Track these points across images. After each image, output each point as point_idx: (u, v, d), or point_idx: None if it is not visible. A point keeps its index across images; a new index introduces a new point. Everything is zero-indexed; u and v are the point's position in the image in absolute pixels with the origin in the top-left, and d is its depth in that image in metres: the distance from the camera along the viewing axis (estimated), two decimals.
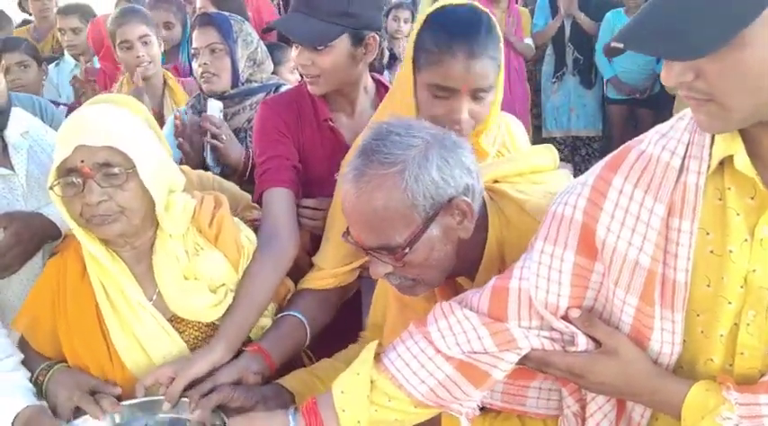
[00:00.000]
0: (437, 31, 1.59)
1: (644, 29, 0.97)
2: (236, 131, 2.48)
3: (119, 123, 1.56)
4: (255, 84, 2.50)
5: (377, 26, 1.93)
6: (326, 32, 1.84)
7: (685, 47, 0.93)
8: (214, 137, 2.35)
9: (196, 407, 1.52)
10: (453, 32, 1.57)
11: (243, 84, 2.48)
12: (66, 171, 1.52)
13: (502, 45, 1.65)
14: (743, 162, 1.07)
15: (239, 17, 2.56)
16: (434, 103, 1.62)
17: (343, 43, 1.87)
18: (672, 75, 1.01)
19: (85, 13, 4.25)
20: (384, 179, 1.31)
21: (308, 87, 1.93)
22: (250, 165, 2.30)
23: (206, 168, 2.31)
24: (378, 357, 1.42)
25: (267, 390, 1.61)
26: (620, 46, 0.98)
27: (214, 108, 2.43)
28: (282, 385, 1.65)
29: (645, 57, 5.37)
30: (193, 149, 2.41)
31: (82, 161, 1.50)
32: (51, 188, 1.54)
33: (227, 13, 2.57)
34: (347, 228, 1.41)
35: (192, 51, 2.49)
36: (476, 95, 1.60)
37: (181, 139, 2.40)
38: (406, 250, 1.33)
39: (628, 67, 5.49)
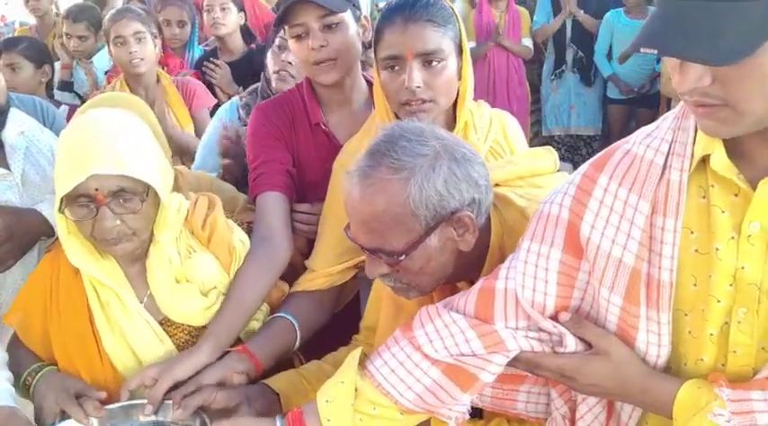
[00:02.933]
0: (383, 12, 1.71)
1: (675, 33, 0.95)
2: None
3: (131, 145, 1.53)
4: None
5: (360, 8, 1.95)
6: (342, 3, 1.84)
7: (721, 52, 0.92)
8: None
9: (178, 408, 1.51)
10: (393, 6, 1.69)
11: None
12: (77, 195, 1.50)
13: (457, 21, 1.70)
14: (720, 162, 1.07)
15: None
16: (390, 78, 1.68)
17: (350, 19, 1.87)
18: (688, 80, 0.99)
19: (94, 20, 4.24)
20: (388, 184, 1.30)
21: (323, 77, 1.89)
22: None
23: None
24: (363, 364, 1.41)
25: (252, 390, 1.60)
26: (654, 52, 0.96)
27: None
28: (268, 385, 1.64)
29: (645, 56, 5.35)
30: (237, 162, 2.32)
31: (96, 189, 1.48)
32: (61, 211, 1.52)
33: None
34: (348, 223, 1.41)
35: (278, 42, 2.32)
36: (426, 61, 1.64)
37: (227, 160, 2.32)
38: (402, 256, 1.33)
39: (628, 67, 5.47)
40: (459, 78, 1.73)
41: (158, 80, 3.18)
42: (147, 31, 3.10)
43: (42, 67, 3.45)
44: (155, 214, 1.58)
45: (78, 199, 1.51)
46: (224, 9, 3.69)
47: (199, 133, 3.16)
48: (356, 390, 1.37)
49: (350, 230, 1.40)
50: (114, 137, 1.53)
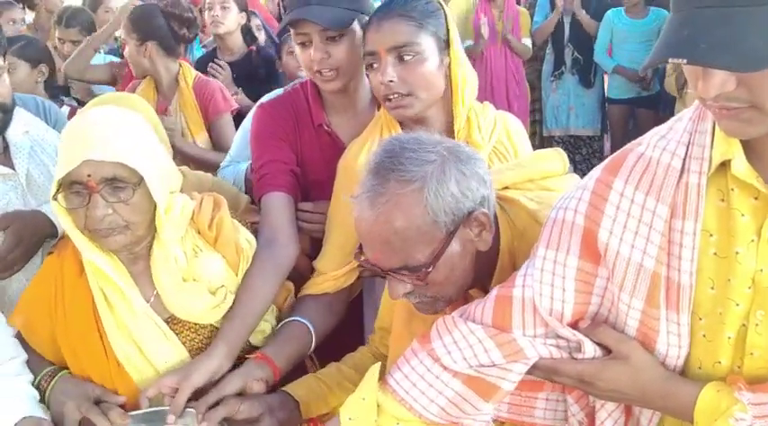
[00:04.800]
0: None
1: (699, 41, 0.93)
2: None
3: (127, 135, 1.53)
4: None
5: (369, 11, 1.93)
6: (345, 17, 1.84)
7: (748, 58, 0.91)
8: None
9: (203, 420, 1.51)
10: (376, 9, 1.76)
11: None
12: (70, 182, 1.50)
13: (444, 16, 1.73)
14: (742, 167, 1.07)
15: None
16: (372, 76, 1.73)
17: (355, 28, 1.86)
18: (713, 86, 0.97)
19: (86, 23, 4.21)
20: (403, 197, 1.27)
21: (325, 86, 1.89)
22: None
23: None
24: (383, 378, 1.40)
25: (273, 399, 1.59)
26: (683, 61, 0.94)
27: None
28: (289, 393, 1.63)
29: (645, 54, 5.39)
30: None
31: (89, 175, 1.48)
32: (54, 198, 1.52)
33: None
34: (360, 248, 1.37)
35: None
36: (399, 56, 1.67)
37: None
38: (430, 268, 1.30)
39: (626, 63, 5.50)
40: (450, 74, 1.74)
41: (178, 81, 3.19)
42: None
43: (38, 67, 3.42)
44: (150, 209, 1.56)
45: (72, 187, 1.50)
46: (224, 8, 3.69)
47: (214, 141, 3.14)
48: (378, 406, 1.36)
49: (365, 256, 1.36)
50: (110, 127, 1.53)
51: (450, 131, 1.76)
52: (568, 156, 5.62)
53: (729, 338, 1.13)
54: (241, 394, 1.57)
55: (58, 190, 1.52)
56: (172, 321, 1.65)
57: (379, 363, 1.44)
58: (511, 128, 1.86)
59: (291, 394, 1.63)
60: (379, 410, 1.36)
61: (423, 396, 1.32)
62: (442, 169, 1.29)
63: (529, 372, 1.29)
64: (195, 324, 1.66)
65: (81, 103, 4.15)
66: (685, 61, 0.94)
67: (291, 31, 1.89)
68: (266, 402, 1.57)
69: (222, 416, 1.52)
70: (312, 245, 1.93)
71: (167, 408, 1.53)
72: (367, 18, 1.88)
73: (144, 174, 1.51)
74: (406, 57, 1.66)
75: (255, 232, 1.80)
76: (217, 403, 1.54)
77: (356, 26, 1.86)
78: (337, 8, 1.82)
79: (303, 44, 1.87)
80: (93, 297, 1.62)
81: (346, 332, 1.85)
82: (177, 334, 1.64)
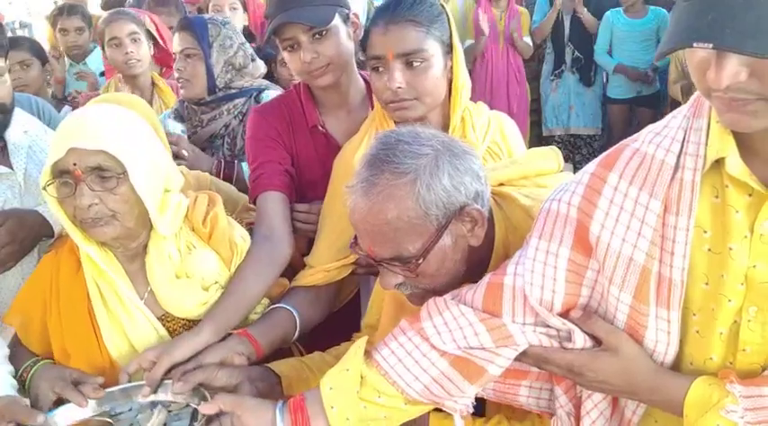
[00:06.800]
0: (373, 14, 1.76)
1: (723, 27, 0.91)
2: (213, 137, 2.47)
3: (114, 126, 1.54)
4: (234, 91, 2.45)
5: (349, 5, 1.94)
6: (327, 13, 1.85)
7: None
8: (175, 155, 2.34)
9: (178, 381, 1.50)
10: (379, 8, 1.74)
11: (220, 90, 2.43)
12: (59, 172, 1.51)
13: (447, 20, 1.73)
14: (736, 166, 1.07)
15: (221, 20, 2.51)
16: (376, 78, 1.72)
17: (338, 23, 1.87)
18: (725, 76, 0.95)
19: (86, 13, 4.26)
20: (396, 189, 1.29)
21: (319, 82, 1.90)
22: (222, 174, 2.32)
23: None
24: (368, 353, 1.40)
25: (253, 371, 1.59)
26: (708, 46, 0.92)
27: (176, 127, 2.44)
28: (270, 369, 1.62)
29: (645, 54, 5.43)
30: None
31: (74, 163, 1.49)
32: (45, 188, 1.53)
33: (208, 16, 2.54)
34: (355, 238, 1.39)
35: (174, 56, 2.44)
36: (407, 62, 1.67)
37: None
38: (420, 260, 1.32)
39: (626, 61, 5.49)
40: (451, 76, 1.74)
41: (153, 83, 3.15)
42: (142, 32, 3.08)
43: (45, 66, 3.47)
44: (140, 202, 1.55)
45: (61, 177, 1.51)
46: (234, 9, 3.72)
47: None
48: (361, 378, 1.36)
49: (359, 246, 1.38)
50: (97, 119, 1.55)
51: (445, 131, 1.75)
52: (568, 156, 5.61)
53: (721, 334, 1.13)
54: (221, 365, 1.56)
55: (48, 182, 1.53)
56: (165, 319, 1.65)
57: (366, 337, 1.45)
58: (505, 127, 1.87)
59: (273, 369, 1.62)
60: (361, 382, 1.36)
61: (407, 373, 1.32)
62: (435, 163, 1.30)
63: (518, 359, 1.29)
64: (188, 322, 1.66)
65: None
66: (711, 46, 0.91)
67: (277, 39, 1.90)
68: (246, 372, 1.56)
69: (199, 380, 1.50)
70: (308, 245, 1.93)
71: (142, 383, 1.53)
72: (347, 10, 1.91)
73: (126, 165, 1.51)
74: (415, 64, 1.66)
75: (251, 232, 1.80)
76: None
77: (338, 20, 1.87)
78: (318, 6, 1.83)
79: (291, 48, 1.88)
80: (89, 294, 1.63)
81: (343, 335, 1.83)
82: (170, 332, 1.65)
